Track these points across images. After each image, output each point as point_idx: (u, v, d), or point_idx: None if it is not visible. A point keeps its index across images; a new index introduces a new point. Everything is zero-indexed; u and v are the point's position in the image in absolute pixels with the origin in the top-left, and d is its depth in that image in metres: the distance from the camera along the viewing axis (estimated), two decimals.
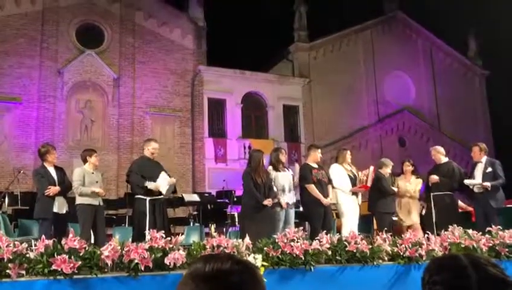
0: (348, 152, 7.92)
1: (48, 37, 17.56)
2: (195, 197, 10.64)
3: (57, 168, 7.09)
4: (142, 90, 18.65)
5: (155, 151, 7.10)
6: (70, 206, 6.99)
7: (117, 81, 18.23)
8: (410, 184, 8.12)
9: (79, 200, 6.93)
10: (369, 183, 7.59)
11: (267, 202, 6.72)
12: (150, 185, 6.65)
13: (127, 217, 10.02)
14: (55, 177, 6.91)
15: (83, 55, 17.84)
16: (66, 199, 7.02)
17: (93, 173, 7.16)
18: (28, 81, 17.07)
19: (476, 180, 7.76)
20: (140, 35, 19.01)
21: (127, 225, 9.46)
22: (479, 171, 7.83)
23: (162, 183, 6.73)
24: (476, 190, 7.78)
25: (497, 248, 5.65)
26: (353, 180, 7.61)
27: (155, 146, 7.12)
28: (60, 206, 6.80)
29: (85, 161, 7.25)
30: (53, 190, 6.73)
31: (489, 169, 7.74)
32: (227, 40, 22.28)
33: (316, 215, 7.14)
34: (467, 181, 7.84)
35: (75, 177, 6.98)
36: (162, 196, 6.78)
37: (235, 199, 10.61)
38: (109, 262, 3.87)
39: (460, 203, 8.38)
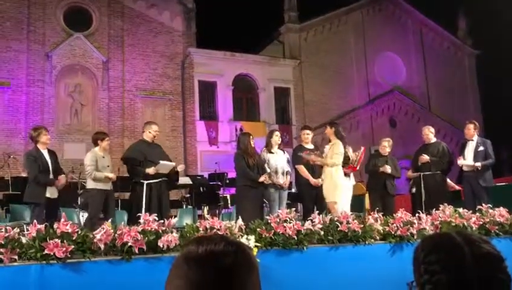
0: None
1: (34, 20, 17.29)
2: (188, 180, 10.63)
3: (49, 151, 6.94)
4: (132, 74, 18.49)
5: (157, 134, 7.08)
6: (60, 190, 6.95)
7: (106, 64, 18.05)
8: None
9: (91, 185, 6.91)
10: (356, 164, 7.63)
11: (263, 178, 6.75)
12: (149, 170, 6.62)
13: (119, 201, 10.00)
14: (49, 161, 6.77)
15: (71, 38, 17.61)
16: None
17: (103, 157, 7.10)
18: (16, 65, 16.85)
19: (468, 161, 7.79)
20: (129, 17, 18.78)
21: (119, 209, 9.45)
22: (470, 150, 7.86)
23: (162, 168, 6.72)
24: (465, 168, 7.83)
25: (487, 226, 5.72)
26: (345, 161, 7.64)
27: (156, 129, 7.10)
28: (52, 191, 6.72)
29: (96, 144, 7.15)
30: (57, 183, 6.69)
31: (481, 148, 7.77)
32: (217, 21, 22.09)
33: (307, 195, 7.20)
34: (459, 161, 7.87)
35: (88, 161, 6.91)
36: (159, 179, 6.75)
37: (228, 181, 10.63)
38: (102, 246, 3.87)
39: (448, 181, 8.44)
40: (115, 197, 10.33)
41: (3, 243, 3.64)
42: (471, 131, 7.95)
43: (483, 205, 6.19)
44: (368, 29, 23.41)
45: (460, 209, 5.84)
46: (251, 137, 7.21)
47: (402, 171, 9.04)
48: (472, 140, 7.91)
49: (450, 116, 23.65)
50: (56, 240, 3.72)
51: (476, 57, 25.99)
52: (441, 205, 5.93)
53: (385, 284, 4.45)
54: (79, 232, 3.91)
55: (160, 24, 19.31)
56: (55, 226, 3.87)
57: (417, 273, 1.15)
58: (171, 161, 7.12)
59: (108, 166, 7.09)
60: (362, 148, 7.90)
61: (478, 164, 7.63)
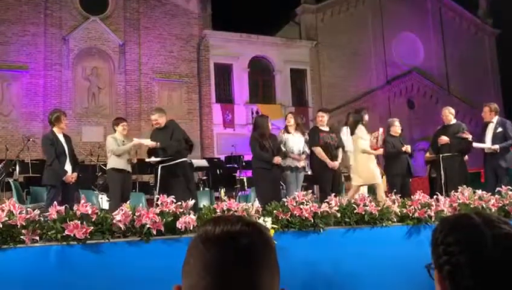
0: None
1: (51, 3, 17.36)
2: (204, 163, 10.70)
3: (65, 136, 6.99)
4: (148, 56, 18.53)
5: (154, 123, 7.11)
6: (79, 173, 7.06)
7: (122, 47, 18.09)
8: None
9: (111, 164, 7.07)
10: (379, 145, 7.60)
11: (277, 159, 6.78)
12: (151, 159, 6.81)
13: (137, 183, 10.12)
14: (65, 145, 6.81)
15: (88, 21, 17.67)
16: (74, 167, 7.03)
17: (123, 141, 7.24)
18: (34, 49, 16.99)
19: (485, 144, 7.71)
20: (145, 0, 18.75)
21: (137, 191, 9.57)
22: (489, 132, 7.77)
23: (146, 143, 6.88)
24: (486, 150, 7.76)
25: (506, 207, 5.65)
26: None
27: (152, 118, 7.12)
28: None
29: (115, 130, 7.41)
30: (69, 178, 6.73)
31: (500, 129, 7.68)
32: (233, 3, 21.91)
33: (324, 178, 7.18)
34: (475, 144, 7.80)
35: (109, 144, 7.16)
36: (172, 162, 6.77)
37: (244, 164, 10.68)
38: (122, 227, 3.93)
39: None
40: (133, 179, 10.51)
41: (24, 224, 3.71)
42: (488, 114, 7.87)
43: (502, 186, 6.11)
44: (386, 9, 23.02)
45: (479, 191, 5.77)
46: (268, 119, 7.26)
47: (420, 153, 8.97)
48: (491, 122, 7.81)
49: (469, 97, 23.29)
50: (76, 221, 3.78)
51: (497, 36, 25.44)
52: (459, 187, 5.87)
53: (402, 266, 4.44)
54: (98, 214, 3.96)
55: (176, 6, 19.24)
56: (74, 207, 3.93)
57: (435, 255, 1.14)
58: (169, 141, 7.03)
59: None
60: (381, 129, 7.84)
61: (496, 146, 7.53)
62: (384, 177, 9.52)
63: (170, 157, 6.73)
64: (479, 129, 8.33)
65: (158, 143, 6.75)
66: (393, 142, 8.06)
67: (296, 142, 7.25)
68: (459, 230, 1.12)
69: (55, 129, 6.86)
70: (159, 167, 6.71)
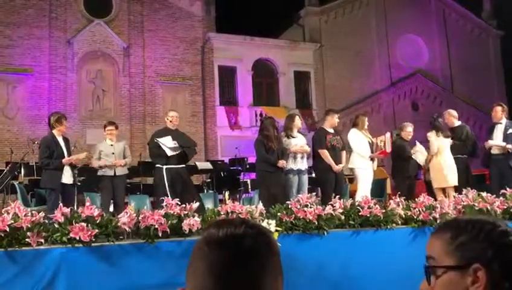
0: (366, 118, 7.83)
1: (56, 7, 17.43)
2: (208, 165, 10.70)
3: (64, 139, 6.93)
4: (152, 59, 18.56)
5: (173, 119, 7.25)
6: (81, 176, 7.13)
7: (127, 50, 18.14)
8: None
9: (99, 172, 7.26)
10: (388, 149, 7.52)
11: (281, 163, 6.75)
12: (167, 151, 6.82)
13: (141, 185, 10.14)
14: (64, 148, 6.76)
15: (92, 24, 17.72)
16: (76, 170, 7.02)
17: (111, 145, 7.24)
18: (39, 52, 17.05)
19: (499, 142, 7.58)
20: (149, 2, 18.79)
21: (141, 193, 9.58)
22: (499, 132, 7.61)
23: (166, 142, 6.87)
24: (494, 151, 7.63)
25: (511, 210, 5.63)
26: (370, 147, 7.56)
27: (172, 114, 7.35)
28: (68, 178, 6.71)
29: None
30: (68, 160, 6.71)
31: (511, 130, 7.53)
32: (236, 5, 21.92)
33: (327, 181, 7.13)
34: (490, 142, 7.62)
35: (94, 152, 7.33)
36: (179, 165, 6.87)
37: (248, 166, 10.67)
38: (127, 229, 3.94)
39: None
40: (137, 182, 10.52)
41: (29, 226, 3.73)
42: (499, 113, 7.73)
43: (507, 188, 6.08)
44: (390, 11, 22.98)
45: (484, 193, 5.75)
46: (275, 121, 7.23)
47: None
48: (500, 123, 7.69)
49: (473, 99, 23.22)
50: (81, 223, 3.80)
51: (501, 38, 25.35)
52: (464, 189, 5.86)
53: (407, 268, 4.43)
54: (103, 216, 3.98)
55: (180, 9, 19.28)
56: (79, 210, 3.94)
57: (477, 250, 1.08)
58: (191, 143, 7.29)
59: (113, 153, 7.22)
60: (388, 133, 7.78)
61: (510, 146, 7.40)
62: (388, 179, 9.51)
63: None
64: (484, 131, 8.27)
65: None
66: (405, 145, 8.01)
67: (299, 144, 7.21)
68: (484, 228, 1.11)
69: (55, 131, 6.81)
70: (164, 169, 6.74)
